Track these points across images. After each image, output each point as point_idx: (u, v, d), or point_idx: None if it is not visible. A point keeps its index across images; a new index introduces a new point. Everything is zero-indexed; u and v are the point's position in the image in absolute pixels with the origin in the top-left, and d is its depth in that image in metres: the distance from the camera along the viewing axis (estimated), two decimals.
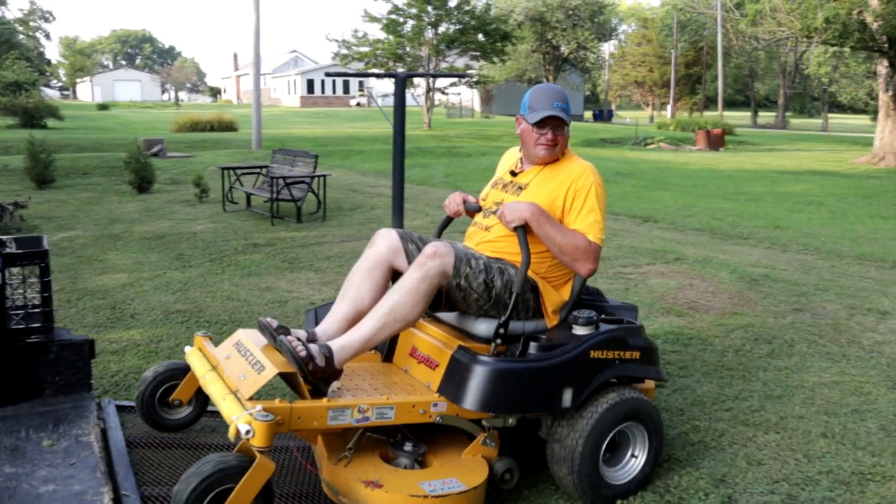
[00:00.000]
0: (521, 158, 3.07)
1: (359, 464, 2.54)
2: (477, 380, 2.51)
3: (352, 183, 13.33)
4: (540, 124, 2.84)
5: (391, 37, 29.70)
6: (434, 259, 2.58)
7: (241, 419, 2.16)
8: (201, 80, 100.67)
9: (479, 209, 3.05)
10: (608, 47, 62.90)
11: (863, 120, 67.39)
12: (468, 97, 49.83)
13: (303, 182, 9.27)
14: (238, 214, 9.51)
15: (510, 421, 2.70)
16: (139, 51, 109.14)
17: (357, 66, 31.49)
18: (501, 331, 2.65)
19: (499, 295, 2.70)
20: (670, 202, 11.50)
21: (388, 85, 49.43)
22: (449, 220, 3.27)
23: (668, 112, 55.79)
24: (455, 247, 2.71)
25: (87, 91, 78.33)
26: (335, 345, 2.50)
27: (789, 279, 6.37)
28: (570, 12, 48.62)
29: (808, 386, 3.93)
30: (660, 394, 3.74)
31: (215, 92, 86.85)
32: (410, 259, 2.78)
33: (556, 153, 2.91)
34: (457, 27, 30.00)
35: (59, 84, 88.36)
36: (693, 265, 6.77)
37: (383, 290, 2.76)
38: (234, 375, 2.48)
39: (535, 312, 2.83)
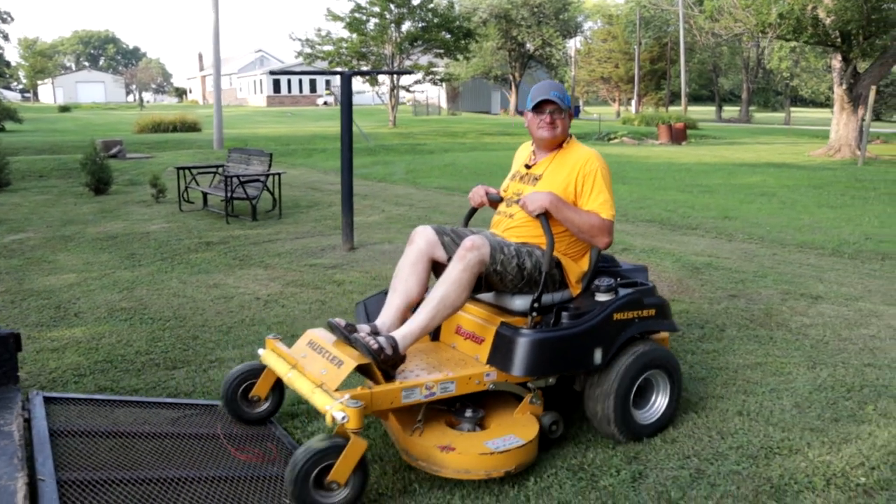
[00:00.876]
0: (532, 151, 3.47)
1: (429, 433, 2.90)
2: (521, 350, 2.92)
3: (312, 181, 13.34)
4: (538, 109, 3.26)
5: (355, 35, 29.66)
6: (472, 251, 2.95)
7: (335, 408, 2.53)
8: (167, 81, 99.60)
9: (501, 199, 3.43)
10: (574, 44, 63.30)
11: (824, 113, 68.49)
12: (434, 95, 49.88)
13: (257, 180, 9.28)
14: (194, 214, 9.50)
15: (550, 380, 3.17)
16: (102, 52, 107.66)
17: (321, 65, 31.42)
18: (536, 305, 3.06)
19: (530, 274, 3.11)
20: (626, 195, 11.67)
21: (355, 84, 49.27)
22: (474, 210, 3.60)
23: (632, 108, 56.30)
24: (488, 238, 3.05)
25: (49, 93, 77.18)
26: (398, 335, 2.87)
27: (730, 267, 6.54)
28: (535, 9, 48.84)
29: (731, 367, 4.08)
30: None
31: (181, 92, 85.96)
32: (447, 249, 3.18)
33: (556, 135, 3.28)
34: (420, 25, 30.04)
35: (20, 87, 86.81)
36: (639, 255, 6.93)
37: (427, 279, 3.17)
38: (315, 371, 2.81)
39: (560, 284, 3.25)
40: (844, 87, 23.86)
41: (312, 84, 65.77)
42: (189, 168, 10.40)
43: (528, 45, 51.86)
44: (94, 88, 78.54)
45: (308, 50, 30.79)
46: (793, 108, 70.76)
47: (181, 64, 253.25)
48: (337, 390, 2.65)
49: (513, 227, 3.29)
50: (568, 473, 2.87)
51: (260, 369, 3.22)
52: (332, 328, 2.91)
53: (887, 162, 22.65)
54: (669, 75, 59.94)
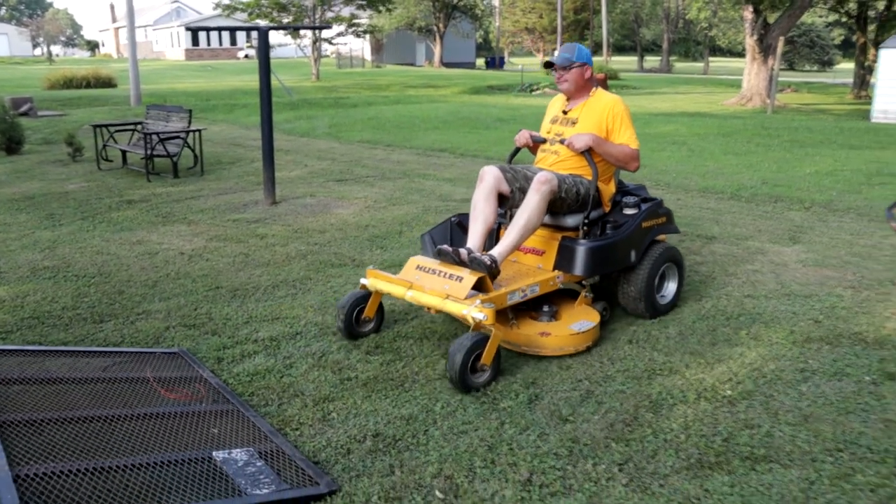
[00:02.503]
0: (566, 100, 4.21)
1: (522, 326, 3.72)
2: (582, 255, 3.79)
3: (234, 137, 13.24)
4: (548, 66, 4.09)
5: None
6: (546, 185, 3.71)
7: (474, 310, 3.24)
8: (77, 34, 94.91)
9: (545, 140, 4.15)
10: None
11: (741, 63, 70.49)
12: (358, 47, 49.15)
13: (177, 137, 9.23)
14: (113, 172, 9.40)
15: (596, 278, 4.16)
16: (3, 0, 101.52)
17: (241, 17, 30.62)
18: (587, 221, 3.94)
19: (584, 197, 3.94)
20: None
21: (276, 36, 48.05)
22: (517, 150, 4.29)
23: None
24: (555, 173, 3.83)
25: None
26: (496, 253, 3.58)
27: None
28: None
29: None
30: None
31: (93, 46, 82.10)
32: (509, 184, 3.87)
33: (570, 87, 4.07)
34: None
35: None
36: None
37: (496, 208, 3.84)
38: (437, 287, 3.46)
39: (596, 204, 4.04)
40: (755, 37, 24.70)
41: (233, 36, 63.85)
42: (106, 126, 10.22)
43: None
44: None
45: (227, 1, 29.93)
46: (712, 58, 72.49)
47: (91, 15, 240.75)
48: (463, 301, 3.31)
49: (559, 162, 4.06)
50: (472, 399, 3.19)
51: (367, 295, 3.83)
52: (442, 254, 3.58)
53: (794, 110, 23.70)
54: (592, 25, 60.43)
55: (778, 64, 23.32)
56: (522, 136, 4.17)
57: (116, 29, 72.07)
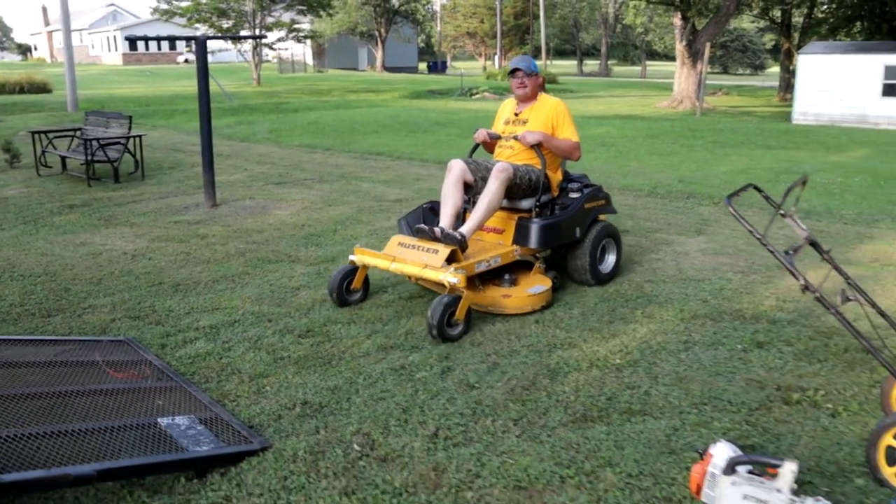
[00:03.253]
0: (516, 103, 5.02)
1: (486, 291, 4.48)
2: (535, 232, 4.57)
3: (174, 142, 13.38)
4: (513, 74, 4.88)
5: None
6: (504, 172, 4.47)
7: (449, 276, 3.99)
8: (6, 37, 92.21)
9: (500, 137, 4.96)
10: None
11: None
12: (300, 52, 49.13)
13: (118, 143, 9.41)
14: (53, 178, 9.53)
15: (548, 252, 5.02)
16: None
17: (180, 21, 30.45)
18: (538, 203, 4.71)
19: (535, 184, 4.72)
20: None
21: (216, 42, 47.67)
22: (477, 146, 5.07)
23: (495, 63, 57.43)
24: (510, 163, 4.60)
25: None
26: (464, 230, 4.35)
27: None
28: None
29: None
30: (406, 296, 4.59)
31: (25, 49, 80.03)
32: (473, 173, 4.64)
33: (528, 92, 4.87)
34: None
35: None
36: None
37: (463, 194, 4.60)
38: (417, 259, 4.21)
39: (546, 189, 4.81)
40: (684, 43, 25.72)
41: (172, 41, 62.99)
42: (45, 132, 10.31)
43: (394, 1, 51.82)
44: None
45: (165, 6, 29.76)
46: (650, 62, 74.30)
47: (22, 17, 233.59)
48: (440, 269, 4.06)
49: (515, 155, 4.85)
50: (391, 371, 3.60)
51: (354, 269, 4.54)
52: (420, 232, 4.36)
53: (722, 112, 24.77)
54: (532, 30, 61.42)
55: (706, 68, 24.33)
56: (481, 134, 4.95)
57: (50, 32, 70.37)
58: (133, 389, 3.24)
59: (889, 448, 2.68)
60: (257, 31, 29.33)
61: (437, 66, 57.71)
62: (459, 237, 4.26)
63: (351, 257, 4.55)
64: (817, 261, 5.54)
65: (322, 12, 32.45)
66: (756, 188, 3.33)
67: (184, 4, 29.40)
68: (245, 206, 7.63)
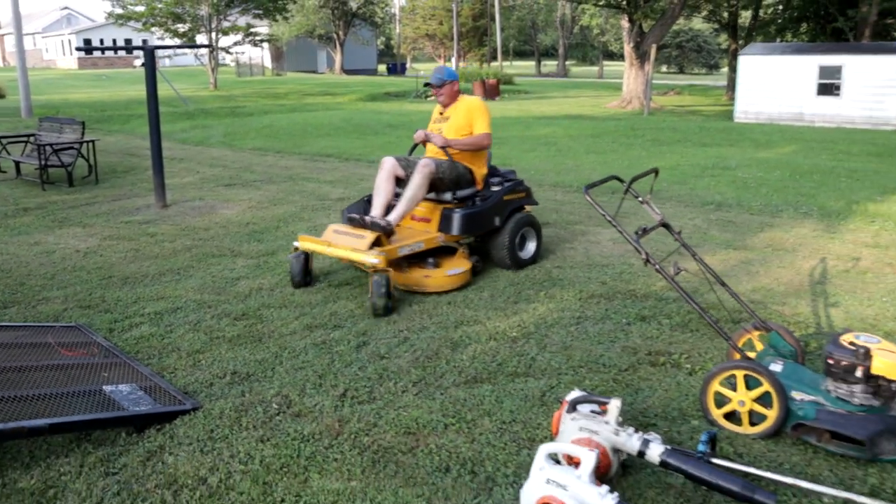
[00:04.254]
0: (442, 105, 5.68)
1: (411, 272, 5.05)
2: (457, 220, 5.19)
3: (129, 147, 13.69)
4: (427, 86, 5.68)
5: None
6: (427, 167, 5.09)
7: (370, 258, 4.60)
8: None
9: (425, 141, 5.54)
10: (398, 0, 64.07)
11: None
12: (258, 55, 49.24)
13: (71, 148, 9.74)
14: (7, 183, 9.82)
15: (471, 239, 5.54)
16: None
17: (135, 25, 30.49)
18: (457, 196, 5.36)
19: (459, 178, 5.38)
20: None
21: (172, 44, 47.54)
22: (416, 145, 5.64)
23: (452, 64, 58.08)
24: (434, 159, 5.19)
25: None
26: (391, 218, 4.98)
27: None
28: None
29: None
30: (335, 284, 5.09)
31: None
32: (404, 168, 5.31)
33: (445, 99, 5.59)
34: None
35: None
36: None
37: (394, 187, 5.26)
38: (347, 244, 4.81)
39: (470, 183, 5.50)
40: (632, 44, 26.51)
41: (128, 44, 62.50)
42: None
43: (352, 3, 52.15)
44: None
45: (119, 10, 29.80)
46: (607, 62, 75.60)
47: None
48: (364, 252, 4.67)
49: (441, 152, 5.48)
50: (313, 346, 4.10)
51: (308, 254, 5.15)
52: (352, 220, 4.93)
53: (668, 112, 25.59)
54: (490, 32, 62.11)
55: (652, 69, 25.15)
56: (419, 135, 5.51)
57: (1, 36, 69.36)
58: (82, 365, 3.69)
59: (717, 393, 3.25)
60: (213, 35, 29.52)
61: (397, 68, 58.16)
62: (384, 224, 4.86)
63: (294, 243, 5.15)
64: (726, 249, 6.17)
65: (278, 16, 32.72)
66: (618, 179, 3.89)
67: (138, 9, 29.47)
68: (194, 207, 8.05)
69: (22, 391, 3.22)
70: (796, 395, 3.16)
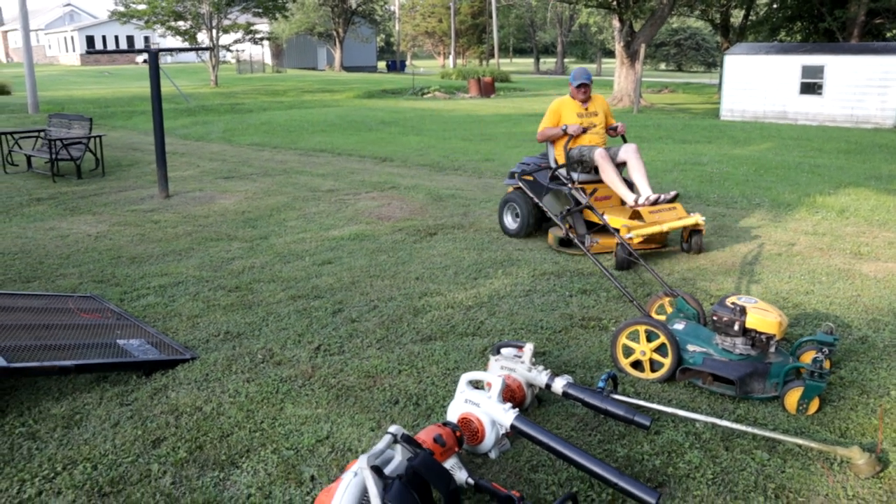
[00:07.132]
0: (580, 100, 6.60)
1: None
2: None
3: (133, 142, 14.37)
4: (578, 87, 6.58)
5: None
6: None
7: (698, 217, 6.14)
8: None
9: (585, 130, 6.49)
10: None
11: None
12: (258, 52, 49.92)
13: (80, 143, 10.43)
14: (20, 175, 10.51)
15: None
16: None
17: (138, 23, 31.14)
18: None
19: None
20: (415, 145, 13.69)
21: (172, 42, 48.20)
22: (572, 137, 6.56)
23: (450, 61, 58.63)
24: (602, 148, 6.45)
25: None
26: (648, 192, 6.38)
27: (467, 196, 8.68)
28: None
29: (434, 254, 6.13)
30: (318, 262, 5.77)
31: None
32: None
33: (589, 94, 6.63)
34: None
35: None
36: (401, 191, 8.93)
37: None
38: (670, 217, 6.16)
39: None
40: (622, 44, 27.16)
41: (130, 41, 63.18)
42: (10, 133, 11.29)
43: (351, 1, 52.77)
44: None
45: (121, 9, 30.46)
46: (606, 60, 76.13)
47: None
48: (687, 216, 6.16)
49: (598, 139, 6.67)
50: (296, 312, 4.77)
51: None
52: (655, 202, 6.20)
53: (658, 110, 26.23)
54: (488, 30, 62.73)
55: (642, 67, 25.80)
56: (577, 128, 6.41)
57: (4, 32, 70.07)
58: (98, 325, 4.38)
59: (624, 346, 3.93)
60: (214, 33, 30.18)
61: (396, 65, 58.82)
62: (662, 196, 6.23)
63: (628, 235, 5.81)
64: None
65: (278, 15, 33.39)
66: (551, 168, 4.54)
67: (140, 8, 30.13)
68: (194, 197, 8.74)
69: (50, 342, 3.90)
70: (691, 347, 3.84)
